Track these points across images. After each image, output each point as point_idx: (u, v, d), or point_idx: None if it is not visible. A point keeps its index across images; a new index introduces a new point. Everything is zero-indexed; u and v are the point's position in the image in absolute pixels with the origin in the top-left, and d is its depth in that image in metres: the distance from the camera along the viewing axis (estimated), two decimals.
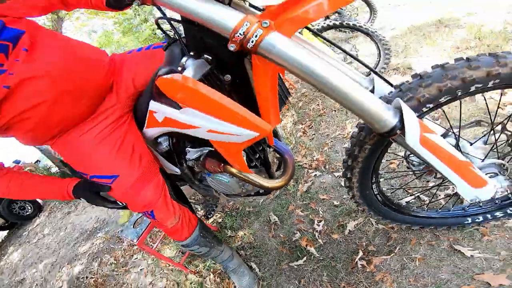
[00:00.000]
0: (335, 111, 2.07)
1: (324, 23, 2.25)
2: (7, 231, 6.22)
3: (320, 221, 1.30)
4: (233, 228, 1.60)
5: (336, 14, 3.68)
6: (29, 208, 5.64)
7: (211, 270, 1.46)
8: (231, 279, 1.34)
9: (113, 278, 2.07)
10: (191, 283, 1.51)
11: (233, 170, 0.83)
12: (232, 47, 0.56)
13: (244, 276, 1.29)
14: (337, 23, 2.27)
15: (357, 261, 1.09)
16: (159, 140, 0.96)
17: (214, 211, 1.34)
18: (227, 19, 0.55)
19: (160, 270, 1.77)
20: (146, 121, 0.88)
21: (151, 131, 0.92)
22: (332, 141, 1.78)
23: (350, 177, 0.85)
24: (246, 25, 0.53)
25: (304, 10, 0.56)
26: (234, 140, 0.68)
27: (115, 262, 2.20)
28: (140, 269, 1.93)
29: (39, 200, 5.08)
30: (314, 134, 1.94)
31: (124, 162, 0.89)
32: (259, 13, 0.65)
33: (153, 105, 0.80)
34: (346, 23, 2.26)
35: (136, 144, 0.92)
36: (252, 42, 0.54)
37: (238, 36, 0.54)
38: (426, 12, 3.39)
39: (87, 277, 2.36)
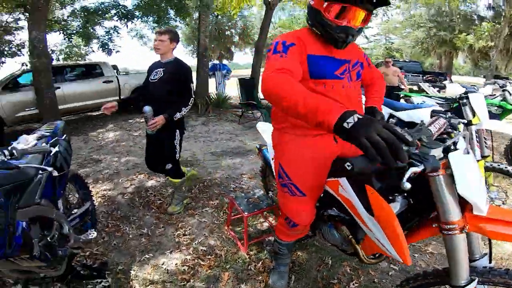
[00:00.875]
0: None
1: (497, 164, 2.23)
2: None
3: (356, 283, 1.76)
4: (295, 248, 2.07)
5: None
6: None
7: (261, 260, 1.99)
8: (269, 275, 1.81)
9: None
10: (238, 258, 2.00)
11: (354, 243, 1.30)
12: (438, 225, 0.94)
13: (282, 279, 1.75)
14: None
15: None
16: None
17: (309, 238, 1.98)
18: (453, 214, 0.90)
19: (220, 233, 2.28)
20: (329, 178, 1.31)
21: (325, 186, 1.35)
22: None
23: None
24: (455, 225, 0.90)
25: (496, 231, 0.85)
26: (383, 250, 1.11)
27: (189, 202, 2.75)
28: (204, 221, 2.46)
29: None
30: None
31: (313, 193, 1.39)
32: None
33: (345, 183, 1.16)
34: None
35: (321, 185, 1.38)
36: (447, 232, 0.92)
37: (447, 226, 0.90)
38: None
39: (154, 195, 2.86)
